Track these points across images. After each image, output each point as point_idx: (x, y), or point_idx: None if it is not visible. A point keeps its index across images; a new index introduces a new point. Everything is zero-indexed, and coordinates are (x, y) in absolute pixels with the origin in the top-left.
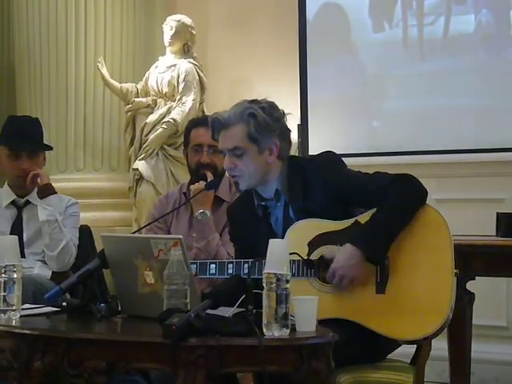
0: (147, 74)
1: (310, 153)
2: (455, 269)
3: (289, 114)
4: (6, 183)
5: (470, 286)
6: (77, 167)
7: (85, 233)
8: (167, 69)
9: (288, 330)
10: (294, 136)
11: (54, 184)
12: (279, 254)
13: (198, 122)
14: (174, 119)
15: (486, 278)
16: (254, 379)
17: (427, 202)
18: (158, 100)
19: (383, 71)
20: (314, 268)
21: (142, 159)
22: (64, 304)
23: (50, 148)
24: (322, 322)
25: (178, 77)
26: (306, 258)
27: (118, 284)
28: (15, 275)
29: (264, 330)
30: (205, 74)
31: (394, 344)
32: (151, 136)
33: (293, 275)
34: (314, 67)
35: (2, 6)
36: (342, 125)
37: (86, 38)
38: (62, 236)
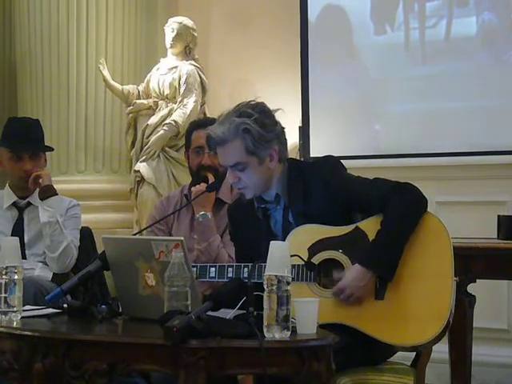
0: (149, 75)
1: (311, 155)
2: (455, 275)
3: (279, 109)
4: (7, 184)
5: (471, 288)
6: (78, 169)
7: (86, 234)
8: (169, 71)
9: (289, 332)
10: (296, 138)
11: (55, 185)
12: (280, 255)
13: (200, 123)
14: (175, 121)
15: (486, 281)
16: (255, 381)
17: (428, 204)
18: (160, 102)
19: (385, 74)
20: (315, 271)
21: (143, 161)
22: (65, 306)
23: (51, 149)
24: (320, 327)
25: (180, 79)
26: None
27: (119, 286)
28: (16, 276)
29: (265, 332)
30: (206, 75)
31: (393, 349)
32: (152, 138)
33: (292, 280)
34: (315, 69)
35: (4, 7)
36: (343, 127)
37: (87, 40)
38: (63, 238)
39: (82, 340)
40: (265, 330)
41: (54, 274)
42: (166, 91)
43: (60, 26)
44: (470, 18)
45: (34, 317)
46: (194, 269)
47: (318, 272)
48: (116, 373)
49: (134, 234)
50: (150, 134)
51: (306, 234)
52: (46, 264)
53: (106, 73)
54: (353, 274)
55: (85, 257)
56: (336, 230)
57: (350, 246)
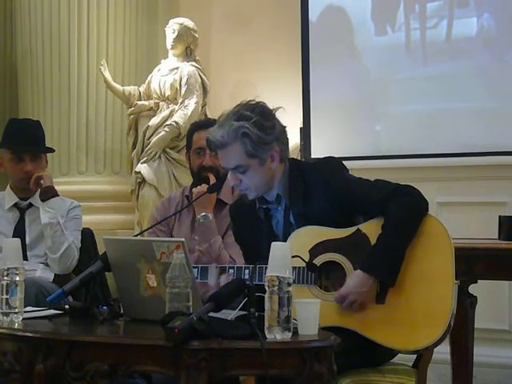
0: (150, 76)
1: (312, 156)
2: (456, 277)
3: (279, 108)
4: (8, 186)
5: (473, 289)
6: (79, 170)
7: (87, 236)
8: (170, 72)
9: (290, 334)
10: (297, 139)
11: (56, 187)
12: (281, 256)
13: (201, 125)
14: (176, 122)
15: (488, 282)
16: (257, 382)
17: (429, 205)
18: (161, 103)
19: (386, 75)
20: (316, 272)
21: (145, 162)
22: (66, 307)
23: (52, 150)
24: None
25: (181, 80)
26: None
27: (121, 287)
28: (18, 278)
29: (266, 333)
30: (207, 76)
31: (395, 351)
32: (153, 139)
33: (293, 282)
34: (316, 70)
35: (5, 8)
36: (344, 128)
37: (88, 41)
38: (64, 239)
39: (84, 341)
40: (266, 331)
41: (55, 275)
42: (167, 92)
43: (61, 28)
44: (471, 18)
45: (35, 318)
46: (195, 270)
47: (319, 274)
48: (117, 374)
49: (136, 235)
50: (151, 135)
51: (308, 236)
52: (47, 265)
53: (107, 74)
54: (355, 280)
55: (86, 258)
56: (337, 232)
57: (351, 248)
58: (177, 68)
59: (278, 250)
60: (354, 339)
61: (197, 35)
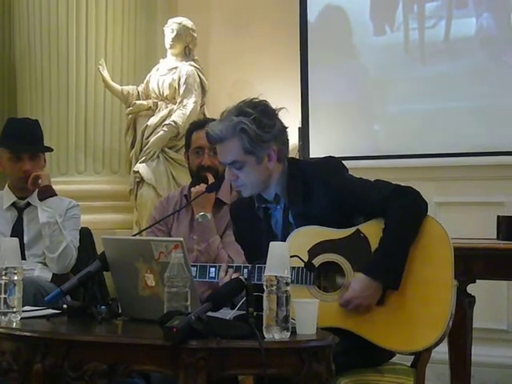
0: (148, 76)
1: (310, 156)
2: (454, 277)
3: (282, 108)
4: (6, 185)
5: (471, 289)
6: (78, 169)
7: (85, 235)
8: (168, 71)
9: (288, 333)
10: (295, 139)
11: (54, 186)
12: (280, 256)
13: (199, 124)
14: (174, 122)
15: (486, 281)
16: (255, 382)
17: (428, 205)
18: (159, 103)
19: (384, 74)
20: (314, 272)
21: (143, 162)
22: (64, 306)
23: (50, 150)
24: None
25: (179, 79)
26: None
27: (119, 286)
28: (16, 277)
29: (264, 332)
30: (206, 76)
31: (392, 353)
32: (152, 138)
33: (291, 282)
34: (314, 70)
35: (3, 7)
36: (342, 128)
37: (87, 40)
38: (62, 238)
39: (82, 341)
40: (264, 330)
41: (53, 274)
42: (166, 92)
43: (60, 27)
44: (470, 18)
45: (33, 317)
46: (194, 269)
47: (318, 275)
48: (116, 373)
49: (134, 235)
50: (150, 135)
51: (307, 236)
52: (45, 265)
53: (105, 73)
54: (360, 284)
55: (84, 257)
56: (337, 232)
57: (350, 249)
58: (175, 67)
59: (277, 250)
60: (353, 339)
61: (195, 35)
